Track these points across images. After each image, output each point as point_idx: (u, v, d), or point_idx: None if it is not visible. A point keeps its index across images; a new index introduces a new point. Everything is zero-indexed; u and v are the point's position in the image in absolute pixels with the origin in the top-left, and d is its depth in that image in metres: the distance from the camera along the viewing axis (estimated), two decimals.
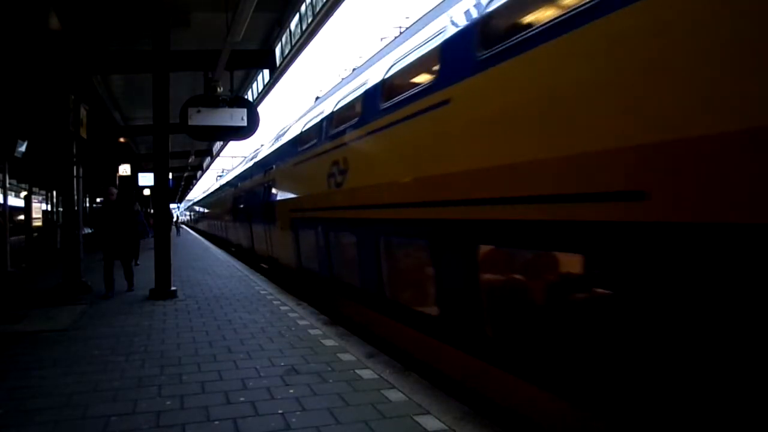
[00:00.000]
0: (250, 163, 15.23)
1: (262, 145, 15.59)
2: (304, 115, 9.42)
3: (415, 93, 4.45)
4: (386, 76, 5.31)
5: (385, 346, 5.19)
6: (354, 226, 5.96)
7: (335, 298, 7.11)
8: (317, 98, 10.09)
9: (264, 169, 11.84)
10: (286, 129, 10.93)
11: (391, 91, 5.11)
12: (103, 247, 8.51)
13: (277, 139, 11.69)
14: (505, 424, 3.38)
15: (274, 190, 10.43)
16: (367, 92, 5.71)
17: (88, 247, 9.69)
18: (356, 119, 5.92)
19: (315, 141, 7.57)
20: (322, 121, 7.43)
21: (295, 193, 9.05)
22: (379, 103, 5.23)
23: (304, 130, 8.60)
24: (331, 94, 7.82)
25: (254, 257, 13.97)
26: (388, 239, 5.24)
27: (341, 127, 6.41)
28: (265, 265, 12.53)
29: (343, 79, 8.01)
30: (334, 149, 6.54)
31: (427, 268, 4.40)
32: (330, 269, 7.08)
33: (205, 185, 47.44)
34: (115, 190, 8.88)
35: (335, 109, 6.96)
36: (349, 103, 6.49)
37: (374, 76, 5.66)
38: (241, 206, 15.53)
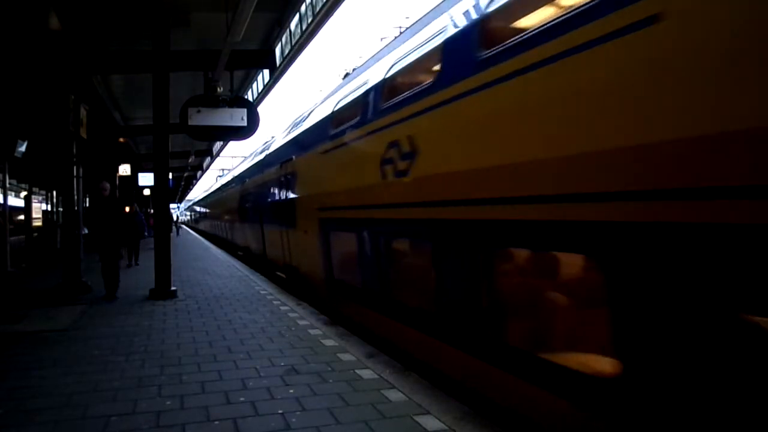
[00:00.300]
0: (261, 156, 13.17)
1: (273, 138, 13.76)
2: (334, 93, 7.73)
3: (564, 20, 2.83)
4: (490, 10, 3.68)
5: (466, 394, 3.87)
6: (431, 231, 4.25)
7: (390, 325, 5.23)
8: (347, 75, 8.75)
9: (280, 161, 9.91)
10: (308, 113, 9.21)
11: (501, 31, 3.51)
12: (98, 248, 8.24)
13: (295, 126, 9.93)
14: (505, 424, 3.38)
15: (293, 186, 8.65)
16: (451, 42, 4.08)
17: (88, 247, 9.68)
18: (433, 81, 4.23)
19: (357, 120, 5.86)
20: (367, 93, 5.70)
21: (324, 188, 7.15)
22: (477, 52, 3.60)
23: (337, 109, 6.89)
24: (377, 60, 6.05)
25: (267, 264, 11.86)
26: (501, 252, 3.55)
27: (403, 96, 4.68)
28: (281, 274, 10.39)
29: (396, 38, 6.20)
30: (391, 126, 4.86)
31: (602, 300, 2.68)
32: (383, 287, 5.33)
33: (208, 183, 45.98)
34: (107, 185, 8.33)
35: (390, 75, 5.27)
36: (414, 62, 4.87)
37: (458, 20, 4.05)
38: (250, 205, 13.60)
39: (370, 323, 5.78)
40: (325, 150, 7.01)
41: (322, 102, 8.38)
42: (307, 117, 8.96)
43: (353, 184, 5.91)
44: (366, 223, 5.58)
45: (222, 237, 22.80)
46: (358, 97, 6.09)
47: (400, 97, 4.78)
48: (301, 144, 8.55)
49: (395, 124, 4.76)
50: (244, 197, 14.88)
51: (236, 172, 19.83)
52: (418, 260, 4.79)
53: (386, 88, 5.28)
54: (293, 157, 8.85)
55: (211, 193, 32.74)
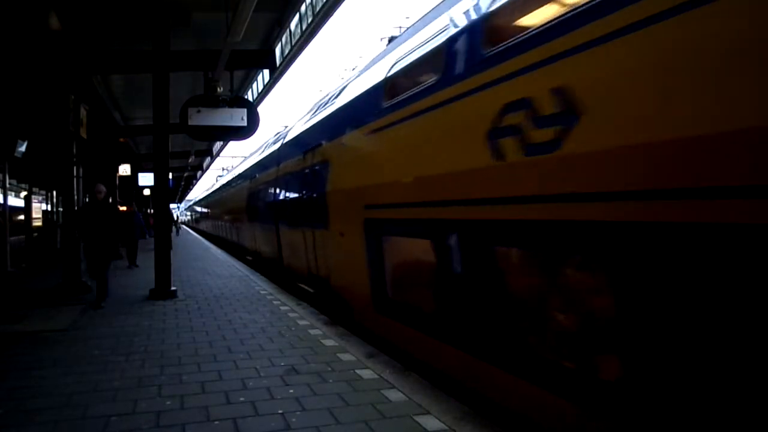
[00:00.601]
0: (276, 146, 11.41)
1: (287, 128, 12.26)
2: (381, 58, 6.01)
3: None
4: None
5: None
6: (621, 243, 2.43)
7: (507, 382, 3.34)
8: (392, 38, 7.40)
9: (302, 149, 8.17)
10: (338, 90, 7.66)
11: None
12: (86, 252, 7.75)
13: (322, 107, 8.23)
14: (505, 424, 3.38)
15: (324, 177, 6.82)
16: None
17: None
18: None
19: (435, 80, 4.10)
20: (455, 40, 3.94)
21: (375, 179, 5.23)
22: None
23: (394, 73, 5.17)
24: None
25: (284, 273, 9.97)
26: None
27: (545, 26, 2.96)
28: (306, 287, 8.25)
29: None
30: (514, 77, 3.11)
31: None
32: (497, 324, 3.43)
33: (210, 181, 44.33)
34: (103, 188, 7.82)
35: (504, 4, 3.57)
36: None
37: None
38: (262, 202, 11.83)
39: (459, 369, 3.96)
40: (374, 129, 5.29)
41: (359, 75, 6.74)
42: (338, 94, 7.33)
43: (432, 169, 4.07)
44: (459, 226, 3.74)
45: (227, 239, 20.54)
46: (436, 48, 4.29)
47: (536, 30, 3.01)
48: (335, 125, 6.83)
49: (524, 72, 3.04)
50: (254, 194, 13.01)
51: (244, 167, 17.55)
52: (585, 288, 2.85)
53: (496, 24, 3.54)
54: (322, 142, 7.08)
55: (215, 190, 29.66)
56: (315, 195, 7.16)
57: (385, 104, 5.08)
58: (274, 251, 10.55)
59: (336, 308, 6.69)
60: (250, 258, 14.61)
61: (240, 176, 17.62)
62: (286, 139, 10.36)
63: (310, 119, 8.82)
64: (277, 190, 10.09)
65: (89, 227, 7.46)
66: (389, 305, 5.08)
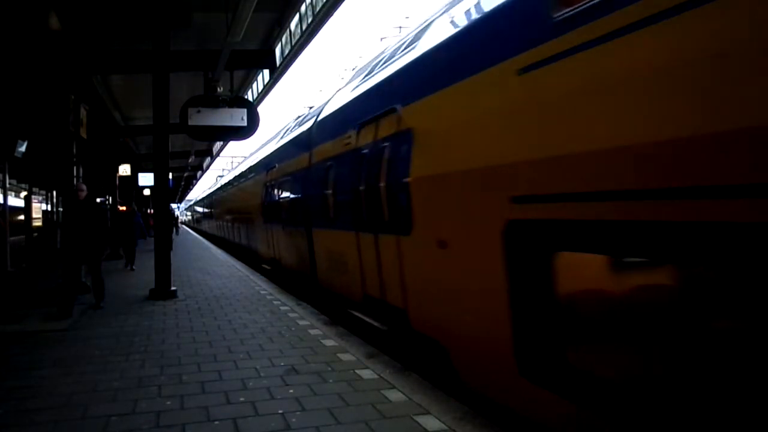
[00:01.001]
0: (304, 128, 9.16)
1: (313, 108, 10.41)
2: None
3: None
4: None
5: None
6: None
7: None
8: None
9: (354, 123, 5.94)
10: (420, 29, 5.31)
11: None
12: (65, 254, 7.34)
13: (384, 63, 5.93)
14: (505, 424, 3.37)
15: (399, 158, 4.62)
16: None
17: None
18: None
19: None
20: None
21: (546, 148, 2.79)
22: None
23: None
24: None
25: (319, 291, 7.73)
26: None
27: None
28: (368, 319, 5.58)
29: None
30: None
31: None
32: None
33: (212, 179, 41.56)
34: (84, 187, 7.36)
35: None
36: None
37: None
38: (285, 198, 9.59)
39: None
40: (536, 61, 2.92)
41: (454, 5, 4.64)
42: (418, 37, 5.16)
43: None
44: None
45: (235, 242, 17.84)
46: None
47: None
48: (426, 77, 4.53)
49: None
50: (274, 188, 10.74)
51: (258, 157, 14.73)
52: None
53: None
54: (396, 107, 4.78)
55: (221, 186, 25.80)
56: (383, 184, 4.95)
57: (560, 14, 2.77)
58: (303, 261, 8.31)
59: (419, 356, 4.62)
60: (267, 267, 11.94)
61: (253, 169, 14.89)
62: (322, 116, 7.97)
63: (360, 84, 6.53)
64: (309, 182, 7.81)
65: (71, 228, 7.10)
66: (571, 375, 2.71)
